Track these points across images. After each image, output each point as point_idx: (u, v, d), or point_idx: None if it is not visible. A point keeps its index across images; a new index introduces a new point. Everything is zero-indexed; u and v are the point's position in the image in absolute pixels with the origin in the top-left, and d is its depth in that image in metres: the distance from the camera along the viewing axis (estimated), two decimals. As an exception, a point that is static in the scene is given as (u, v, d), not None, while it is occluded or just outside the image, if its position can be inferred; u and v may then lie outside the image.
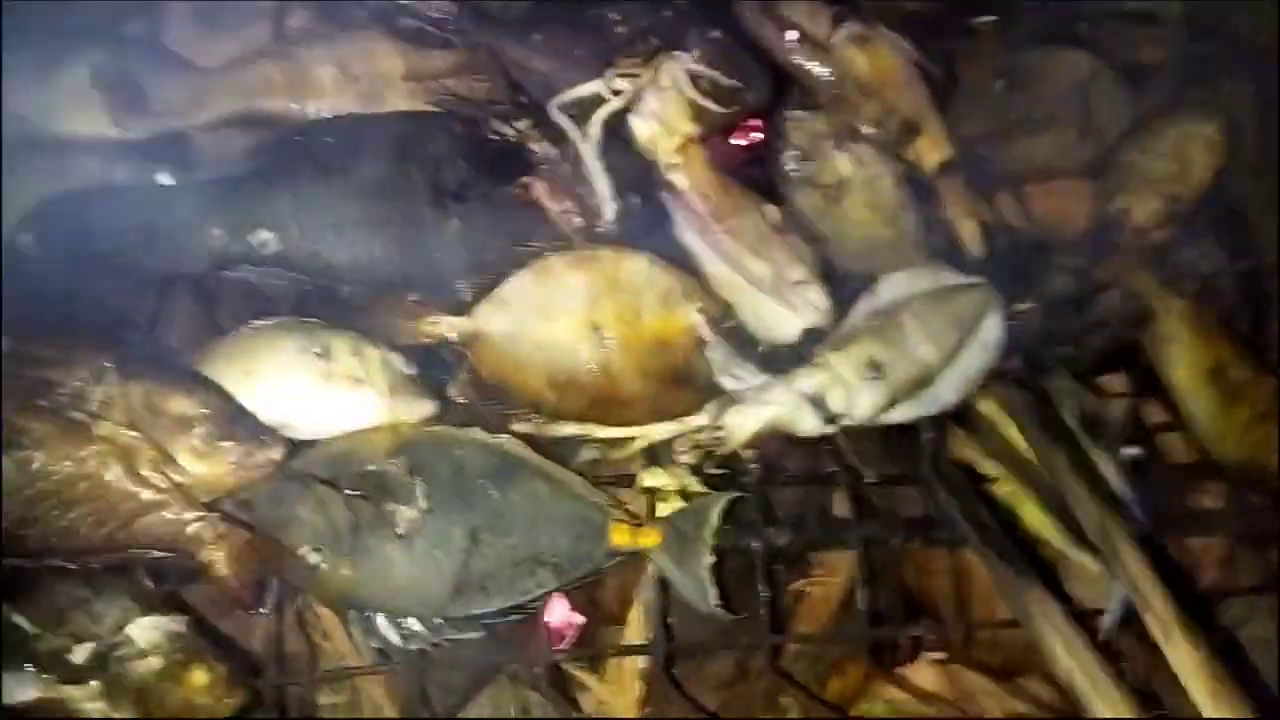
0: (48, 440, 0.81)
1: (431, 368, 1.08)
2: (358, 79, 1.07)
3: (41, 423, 0.81)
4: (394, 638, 0.97)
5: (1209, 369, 1.36)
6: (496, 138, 1.09)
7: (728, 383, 1.12)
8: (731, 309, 1.16)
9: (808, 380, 1.11)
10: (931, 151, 1.34)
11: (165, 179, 1.02)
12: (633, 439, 1.12)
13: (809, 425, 1.11)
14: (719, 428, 1.08)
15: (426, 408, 1.05)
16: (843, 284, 1.26)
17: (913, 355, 1.14)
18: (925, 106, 1.34)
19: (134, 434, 0.84)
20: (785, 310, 1.21)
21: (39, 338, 0.87)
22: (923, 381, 1.15)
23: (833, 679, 1.28)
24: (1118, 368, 1.41)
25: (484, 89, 1.13)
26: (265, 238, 0.96)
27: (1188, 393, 1.37)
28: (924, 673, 1.30)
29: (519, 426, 1.08)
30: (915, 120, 1.33)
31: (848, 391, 1.11)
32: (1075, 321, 1.36)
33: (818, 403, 1.10)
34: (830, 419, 1.11)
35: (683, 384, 1.14)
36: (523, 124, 1.10)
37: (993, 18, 1.40)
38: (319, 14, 1.14)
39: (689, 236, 1.21)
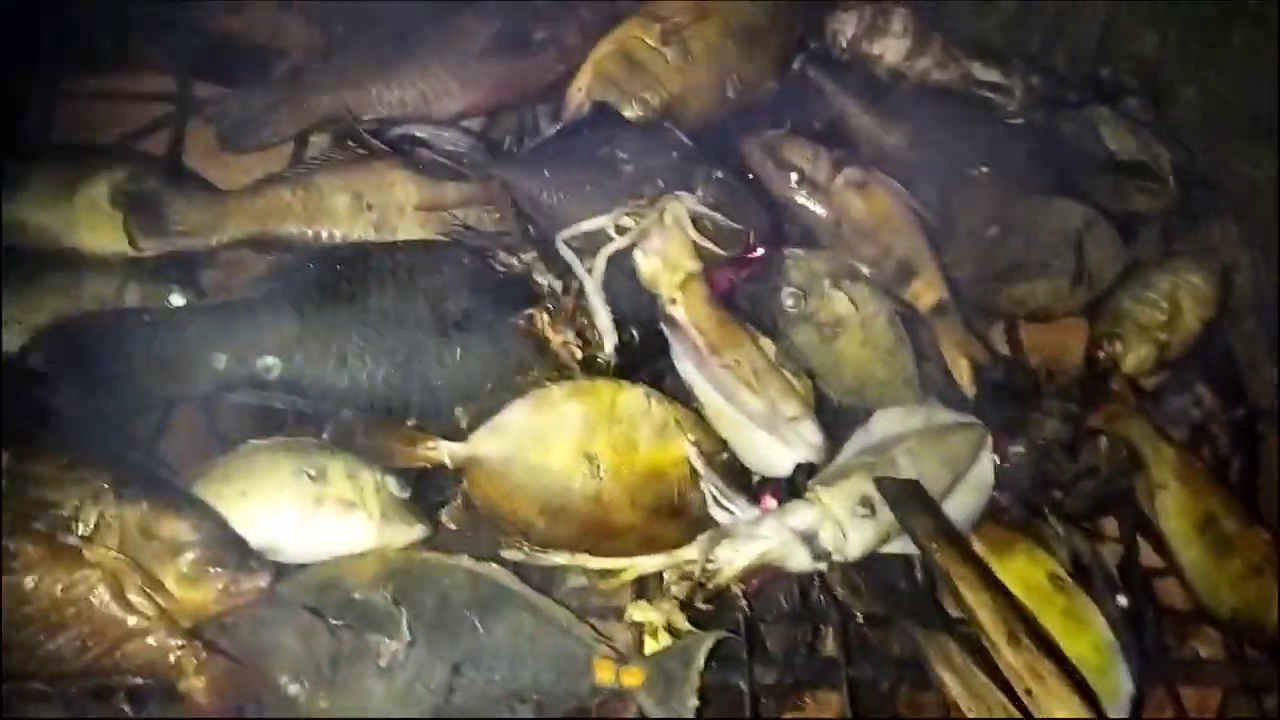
0: (39, 564, 0.82)
1: (424, 490, 1.08)
2: (371, 207, 1.11)
3: (36, 546, 0.82)
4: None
5: (1199, 519, 1.36)
6: (503, 269, 1.11)
7: (720, 515, 1.13)
8: (725, 442, 1.17)
9: (800, 516, 1.11)
10: (927, 292, 1.38)
11: (177, 299, 1.05)
12: (622, 570, 1.11)
13: (800, 562, 1.11)
14: (710, 561, 1.08)
15: (416, 532, 1.05)
16: (835, 419, 1.28)
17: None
18: (921, 249, 1.38)
19: (124, 559, 0.84)
20: (779, 445, 1.22)
21: (40, 456, 0.88)
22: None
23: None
24: (1110, 512, 1.41)
25: (494, 221, 1.16)
26: (270, 363, 0.98)
27: (1179, 542, 1.37)
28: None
29: (508, 553, 1.08)
30: (911, 262, 1.38)
31: (839, 528, 1.11)
32: (1067, 466, 1.36)
33: (809, 539, 1.11)
34: (821, 556, 1.11)
35: (674, 516, 1.14)
36: (529, 256, 1.13)
37: (986, 168, 1.44)
38: (338, 141, 1.18)
39: (686, 368, 1.23)
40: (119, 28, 1.29)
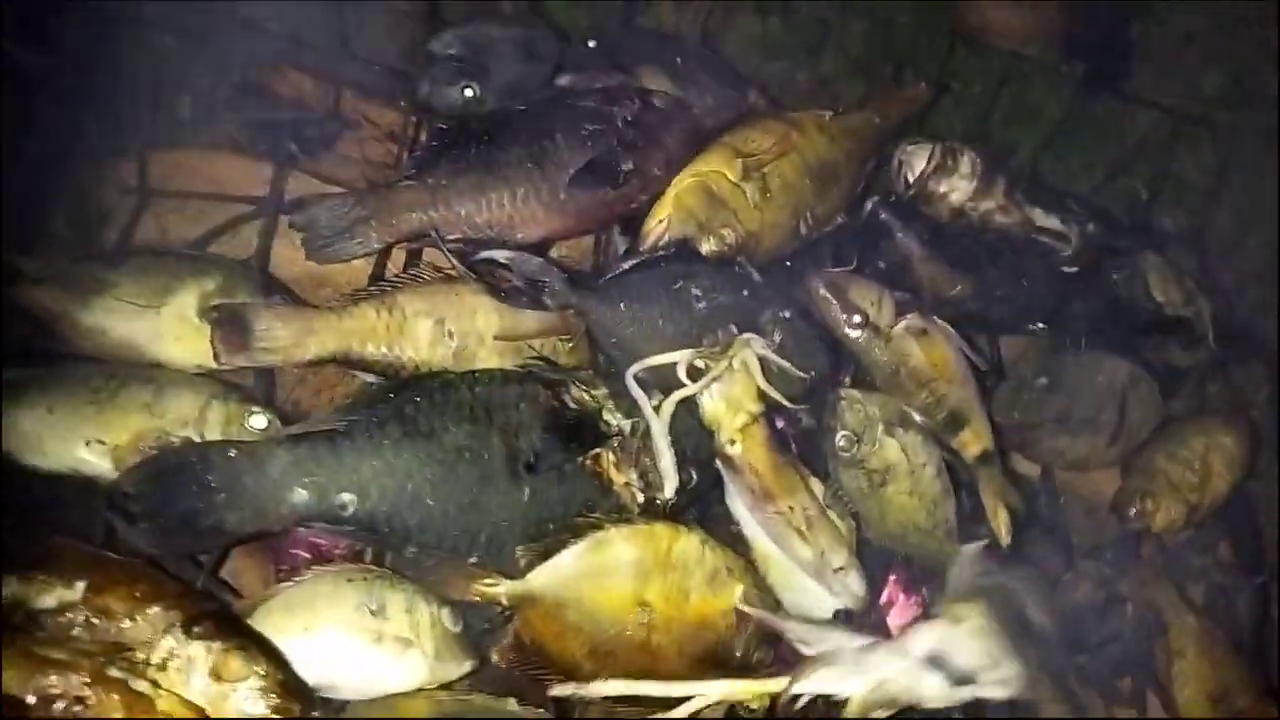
0: (105, 710, 0.81)
1: (473, 623, 1.09)
2: (453, 335, 1.11)
3: (109, 693, 0.82)
4: None
5: (1213, 692, 1.40)
6: (575, 406, 1.12)
7: (805, 650, 1.09)
8: (772, 592, 1.18)
9: (922, 638, 1.05)
10: (974, 442, 1.40)
11: (258, 421, 1.05)
12: (685, 698, 1.08)
13: (932, 691, 1.05)
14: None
15: (466, 667, 1.06)
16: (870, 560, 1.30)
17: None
18: (973, 399, 1.40)
19: (193, 708, 0.84)
20: (823, 591, 1.23)
21: (111, 588, 0.88)
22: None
23: None
24: (1127, 674, 1.44)
25: (568, 353, 1.17)
26: (347, 500, 0.98)
27: (1192, 711, 1.40)
28: None
29: (557, 690, 1.08)
30: (963, 412, 1.39)
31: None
32: (1096, 630, 1.39)
33: (938, 662, 1.04)
34: (959, 680, 1.04)
35: (717, 666, 1.15)
36: (600, 393, 1.14)
37: (1044, 325, 1.46)
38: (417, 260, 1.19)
39: (738, 508, 1.24)
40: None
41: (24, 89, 1.20)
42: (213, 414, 1.03)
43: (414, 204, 1.17)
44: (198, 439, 1.02)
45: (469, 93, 1.28)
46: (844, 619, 1.23)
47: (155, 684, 0.84)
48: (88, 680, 0.81)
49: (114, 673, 0.82)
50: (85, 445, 1.01)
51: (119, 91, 1.28)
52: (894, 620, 1.34)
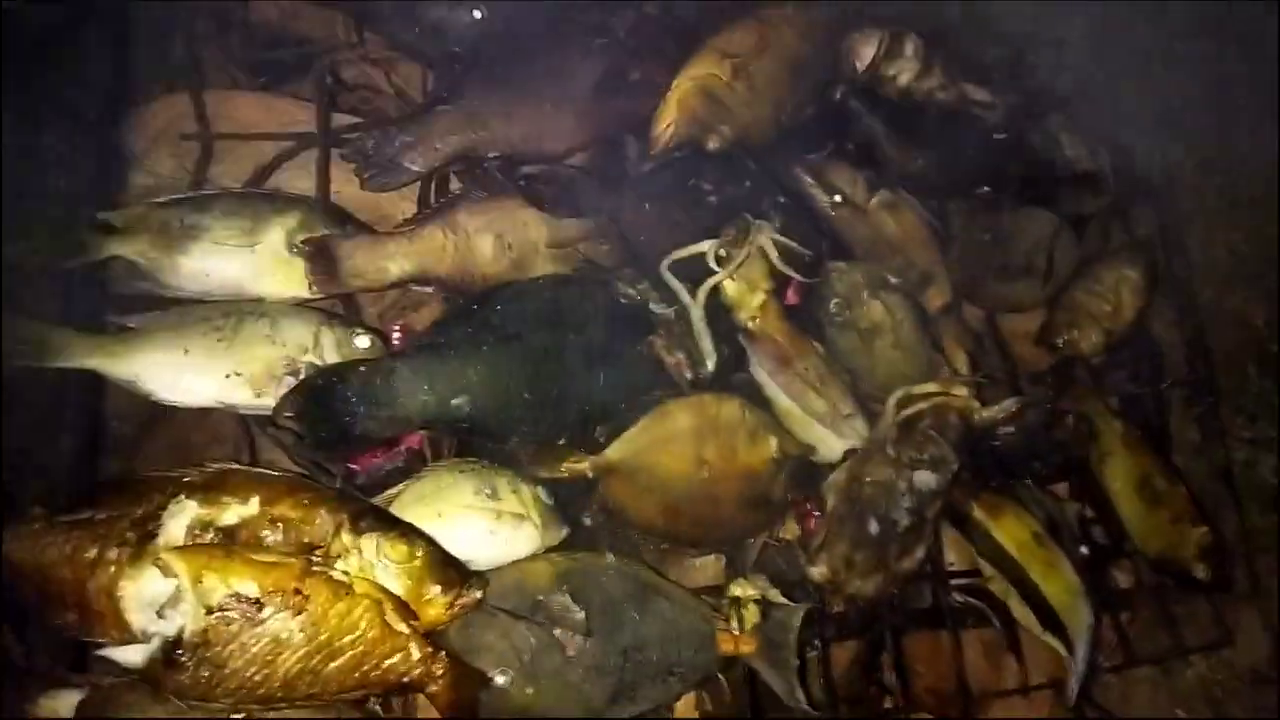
0: (325, 601, 0.94)
1: (560, 498, 1.25)
2: (511, 247, 1.22)
3: (317, 585, 0.94)
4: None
5: (1138, 480, 1.70)
6: (625, 300, 1.26)
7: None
8: (803, 444, 1.38)
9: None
10: (938, 296, 1.62)
11: (363, 341, 1.14)
12: None
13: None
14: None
15: (564, 533, 1.22)
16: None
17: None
18: (937, 259, 1.61)
19: (380, 587, 0.98)
20: (835, 437, 1.44)
21: (283, 500, 0.99)
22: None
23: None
24: (1068, 476, 1.73)
25: (606, 254, 1.30)
26: (461, 402, 1.10)
27: (1121, 498, 1.70)
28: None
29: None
30: (930, 271, 1.60)
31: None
32: (1044, 441, 1.66)
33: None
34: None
35: (763, 506, 1.35)
36: (643, 286, 1.28)
37: (987, 187, 1.67)
38: (472, 179, 1.27)
39: (761, 375, 1.42)
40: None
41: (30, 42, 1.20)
42: (325, 339, 1.13)
43: (452, 127, 1.26)
44: (319, 363, 1.11)
45: (478, 14, 1.34)
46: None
47: (346, 573, 0.97)
48: (298, 575, 0.94)
49: (315, 567, 0.95)
50: (226, 378, 1.09)
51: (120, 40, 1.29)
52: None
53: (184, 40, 1.38)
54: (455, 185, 1.30)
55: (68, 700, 0.98)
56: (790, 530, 1.44)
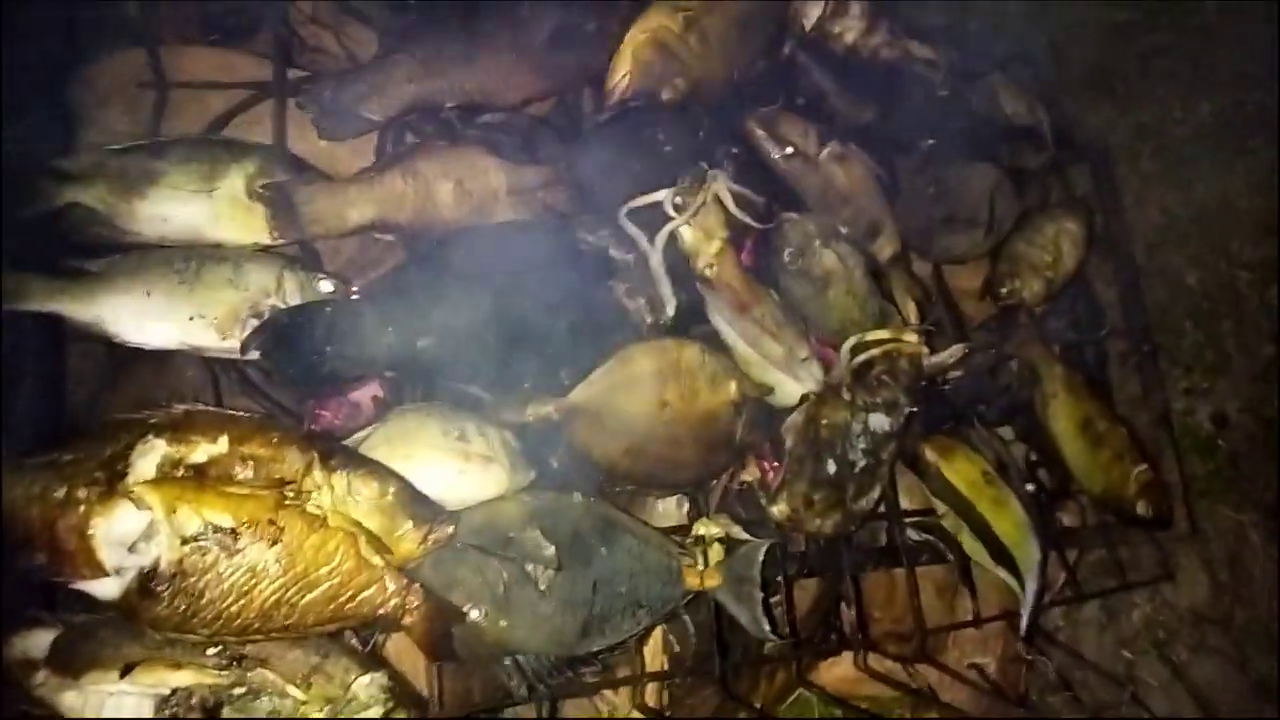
0: (299, 533, 0.95)
1: (527, 441, 1.27)
2: (471, 194, 1.23)
3: (291, 518, 0.95)
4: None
5: (1080, 421, 1.76)
6: (584, 246, 1.28)
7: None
8: (761, 386, 1.42)
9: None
10: (887, 246, 1.66)
11: (325, 286, 1.15)
12: None
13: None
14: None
15: (531, 475, 1.24)
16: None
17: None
18: (884, 210, 1.66)
19: (354, 520, 0.99)
20: (791, 381, 1.48)
21: (250, 438, 0.99)
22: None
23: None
24: (1013, 418, 1.79)
25: (564, 201, 1.32)
26: (425, 344, 1.11)
27: (1065, 439, 1.77)
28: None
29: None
30: (878, 222, 1.65)
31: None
32: (989, 385, 1.72)
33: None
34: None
35: (723, 448, 1.39)
36: (604, 232, 1.31)
37: (932, 140, 1.72)
38: (425, 129, 1.28)
39: (719, 322, 1.45)
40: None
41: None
42: (288, 283, 1.13)
43: (409, 76, 1.27)
44: (283, 305, 1.12)
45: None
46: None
47: (319, 508, 0.98)
48: (272, 507, 0.95)
49: (289, 501, 0.96)
50: (189, 320, 1.09)
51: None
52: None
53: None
54: (410, 139, 1.30)
55: (40, 639, 0.97)
56: (751, 473, 1.48)
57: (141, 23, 1.34)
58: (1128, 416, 1.88)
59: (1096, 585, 1.88)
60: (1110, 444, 1.76)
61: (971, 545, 1.61)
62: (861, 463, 1.46)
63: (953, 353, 1.58)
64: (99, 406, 1.18)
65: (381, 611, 1.02)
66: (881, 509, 1.53)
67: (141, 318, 1.09)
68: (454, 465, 1.15)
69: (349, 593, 0.99)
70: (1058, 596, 1.74)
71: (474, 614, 1.11)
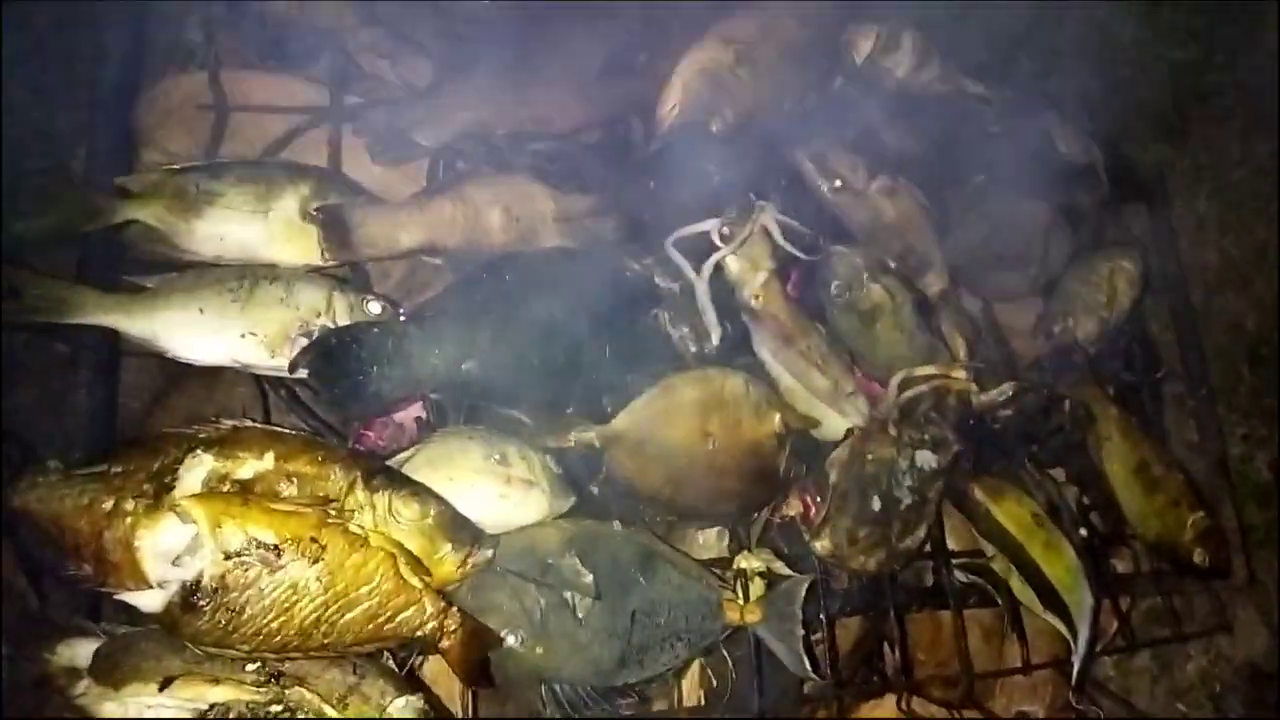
0: (341, 551, 0.95)
1: (567, 467, 1.26)
2: (519, 220, 1.24)
3: (334, 536, 0.95)
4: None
5: (1135, 465, 1.72)
6: (630, 274, 1.28)
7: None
8: (806, 418, 1.40)
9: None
10: (936, 282, 1.64)
11: (374, 307, 1.17)
12: None
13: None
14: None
15: (572, 500, 1.23)
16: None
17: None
18: (934, 246, 1.64)
19: (395, 541, 0.99)
20: (836, 415, 1.46)
21: (295, 456, 1.00)
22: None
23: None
24: (1065, 461, 1.75)
25: (612, 230, 1.32)
26: (469, 367, 1.12)
27: (1119, 483, 1.72)
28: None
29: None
30: (928, 257, 1.63)
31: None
32: (1042, 425, 1.68)
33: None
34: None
35: (766, 480, 1.37)
36: (649, 261, 1.31)
37: (983, 176, 1.71)
38: (475, 156, 1.30)
39: (764, 354, 1.44)
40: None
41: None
42: (338, 303, 1.15)
43: (462, 104, 1.29)
44: (332, 325, 1.13)
45: (486, -5, 1.38)
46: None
47: (361, 527, 0.98)
48: (315, 525, 0.95)
49: (331, 519, 0.96)
50: (240, 338, 1.11)
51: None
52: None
53: (199, 22, 1.40)
54: (461, 166, 1.32)
55: (84, 649, 0.98)
56: (793, 507, 1.46)
57: (204, 48, 1.38)
58: (1184, 463, 1.82)
59: (1150, 635, 1.81)
60: (1166, 489, 1.71)
61: (1021, 589, 1.56)
62: (907, 500, 1.43)
63: (1003, 391, 1.55)
64: (150, 420, 1.20)
65: (419, 633, 1.01)
66: (928, 549, 1.50)
67: (194, 334, 1.11)
68: (495, 489, 1.14)
69: (388, 613, 0.99)
70: (1110, 645, 1.68)
71: (511, 640, 1.10)
